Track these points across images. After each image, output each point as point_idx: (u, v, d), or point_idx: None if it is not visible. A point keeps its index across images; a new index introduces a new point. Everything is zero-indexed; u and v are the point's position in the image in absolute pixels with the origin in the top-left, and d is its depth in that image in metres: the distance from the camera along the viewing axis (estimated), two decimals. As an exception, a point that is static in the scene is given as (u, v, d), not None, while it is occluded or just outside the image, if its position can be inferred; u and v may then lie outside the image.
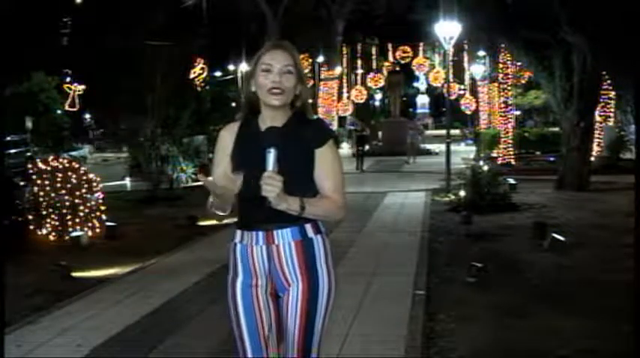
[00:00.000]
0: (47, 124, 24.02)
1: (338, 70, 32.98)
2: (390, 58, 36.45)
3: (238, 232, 2.48)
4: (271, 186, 2.21)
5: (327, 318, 2.49)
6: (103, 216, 9.68)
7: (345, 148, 28.20)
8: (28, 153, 21.73)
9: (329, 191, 2.43)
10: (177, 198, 14.03)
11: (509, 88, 22.21)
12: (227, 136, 2.50)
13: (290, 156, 2.31)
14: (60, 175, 9.36)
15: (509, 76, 22.04)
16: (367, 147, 23.06)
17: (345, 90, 35.54)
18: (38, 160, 10.30)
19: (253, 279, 2.45)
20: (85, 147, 29.18)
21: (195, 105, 16.14)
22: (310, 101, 2.67)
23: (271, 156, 2.23)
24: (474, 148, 26.03)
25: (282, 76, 2.38)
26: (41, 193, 9.23)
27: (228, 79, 32.75)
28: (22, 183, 10.01)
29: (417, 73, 38.24)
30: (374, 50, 37.96)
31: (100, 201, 9.76)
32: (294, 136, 2.39)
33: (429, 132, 40.61)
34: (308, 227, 2.43)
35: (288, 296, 2.44)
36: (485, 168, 11.93)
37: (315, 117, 2.58)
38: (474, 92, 33.20)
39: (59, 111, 31.53)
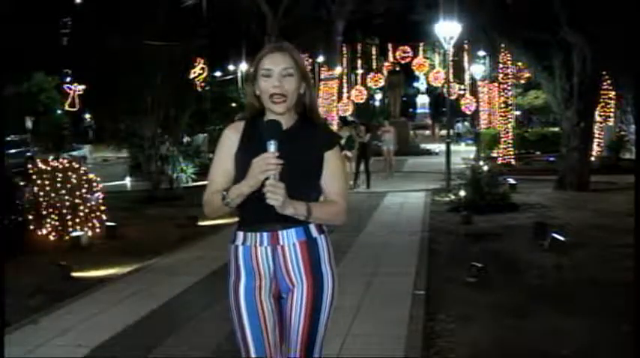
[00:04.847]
0: (47, 124, 24.03)
1: (338, 70, 32.94)
2: (390, 58, 36.40)
3: (240, 234, 2.44)
4: (275, 193, 2.19)
5: (330, 318, 2.48)
6: (103, 216, 9.68)
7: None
8: (28, 153, 21.78)
9: (334, 195, 2.43)
10: (177, 198, 14.03)
11: (509, 87, 22.23)
12: (232, 136, 2.46)
13: (297, 159, 2.29)
14: (60, 175, 9.35)
15: (509, 76, 22.06)
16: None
17: (345, 90, 35.51)
18: (38, 160, 10.29)
19: (256, 281, 2.41)
20: (85, 147, 29.17)
21: (196, 105, 16.13)
22: None
23: (272, 147, 2.21)
24: (474, 148, 26.04)
25: (282, 80, 2.35)
26: (41, 193, 9.23)
27: (228, 78, 32.75)
28: (22, 183, 9.99)
29: (417, 73, 38.16)
30: (374, 50, 37.91)
31: (100, 201, 9.76)
32: (301, 139, 2.38)
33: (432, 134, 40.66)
34: (312, 227, 2.41)
35: (293, 297, 2.42)
36: (485, 168, 11.93)
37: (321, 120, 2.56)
38: (474, 92, 33.19)
39: (59, 111, 31.60)
